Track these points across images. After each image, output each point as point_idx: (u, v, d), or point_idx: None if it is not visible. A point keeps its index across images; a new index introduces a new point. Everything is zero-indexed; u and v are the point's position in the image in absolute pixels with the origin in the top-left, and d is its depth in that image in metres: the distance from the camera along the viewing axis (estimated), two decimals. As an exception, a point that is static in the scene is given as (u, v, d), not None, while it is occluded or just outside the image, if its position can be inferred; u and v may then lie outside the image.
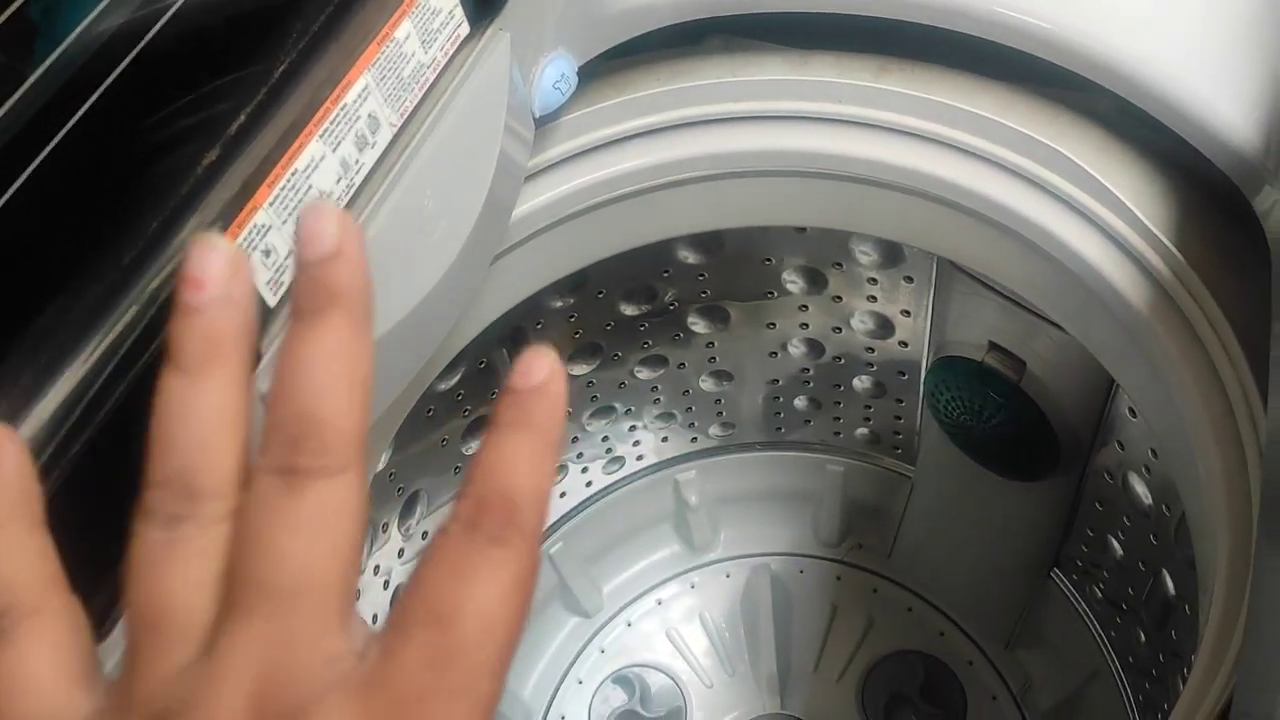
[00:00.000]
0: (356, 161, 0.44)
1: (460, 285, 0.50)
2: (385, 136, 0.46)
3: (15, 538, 0.25)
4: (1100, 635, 0.89)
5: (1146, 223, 0.53)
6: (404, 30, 0.45)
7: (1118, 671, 0.87)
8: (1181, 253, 0.52)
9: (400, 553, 0.80)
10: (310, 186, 0.42)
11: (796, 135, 0.65)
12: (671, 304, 0.86)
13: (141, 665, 0.22)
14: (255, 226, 0.40)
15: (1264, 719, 0.34)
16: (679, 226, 0.71)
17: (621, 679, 1.03)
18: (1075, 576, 0.91)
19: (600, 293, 0.82)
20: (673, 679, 1.03)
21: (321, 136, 0.42)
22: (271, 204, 0.40)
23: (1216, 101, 0.49)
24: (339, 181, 0.44)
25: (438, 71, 0.48)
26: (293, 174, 0.41)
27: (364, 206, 0.45)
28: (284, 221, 0.41)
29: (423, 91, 0.47)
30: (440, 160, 0.48)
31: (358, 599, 0.75)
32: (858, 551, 1.08)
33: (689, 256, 0.82)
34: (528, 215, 0.64)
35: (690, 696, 1.02)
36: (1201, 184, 0.54)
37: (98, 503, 0.35)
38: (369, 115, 0.45)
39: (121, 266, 0.36)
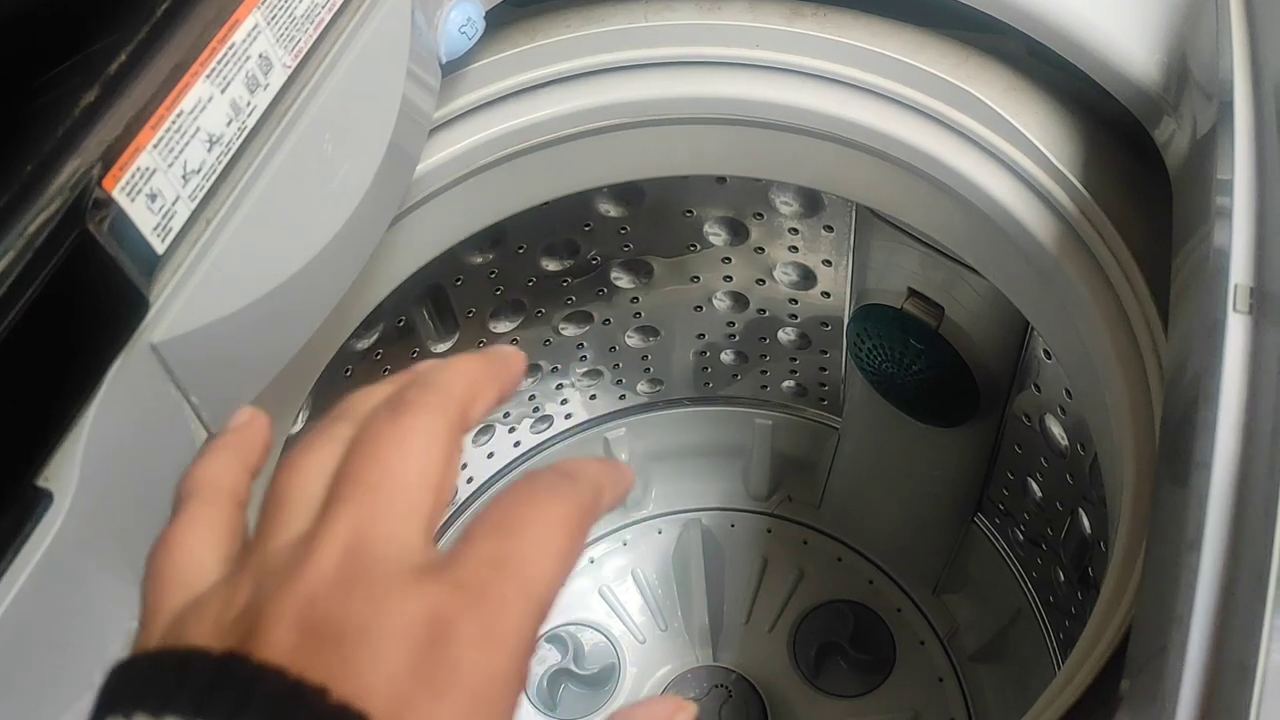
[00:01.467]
0: (248, 104, 0.43)
1: (363, 235, 0.49)
2: (279, 78, 0.44)
3: (228, 459, 0.29)
4: (1022, 576, 0.91)
5: (1055, 161, 0.54)
6: (294, -34, 0.44)
7: (1039, 611, 0.89)
8: (1089, 191, 0.53)
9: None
10: (198, 129, 0.40)
11: (709, 81, 0.64)
12: (594, 259, 0.85)
13: (263, 535, 0.26)
14: (139, 170, 0.38)
15: (1158, 653, 0.35)
16: (595, 178, 0.70)
17: (555, 638, 1.03)
18: (997, 520, 0.92)
19: (520, 248, 0.81)
20: (606, 636, 1.03)
21: (209, 77, 0.41)
22: (156, 146, 0.39)
23: (1119, 37, 0.49)
24: (230, 124, 0.42)
25: (333, 11, 0.47)
26: (178, 115, 0.40)
27: (259, 149, 0.43)
28: (169, 165, 0.39)
29: (318, 32, 0.46)
30: (339, 104, 0.47)
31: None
32: (788, 504, 1.09)
33: (610, 210, 0.81)
34: (437, 167, 0.63)
35: (623, 652, 1.02)
36: (1108, 122, 0.54)
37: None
38: (260, 55, 0.43)
39: (-6, 211, 0.35)
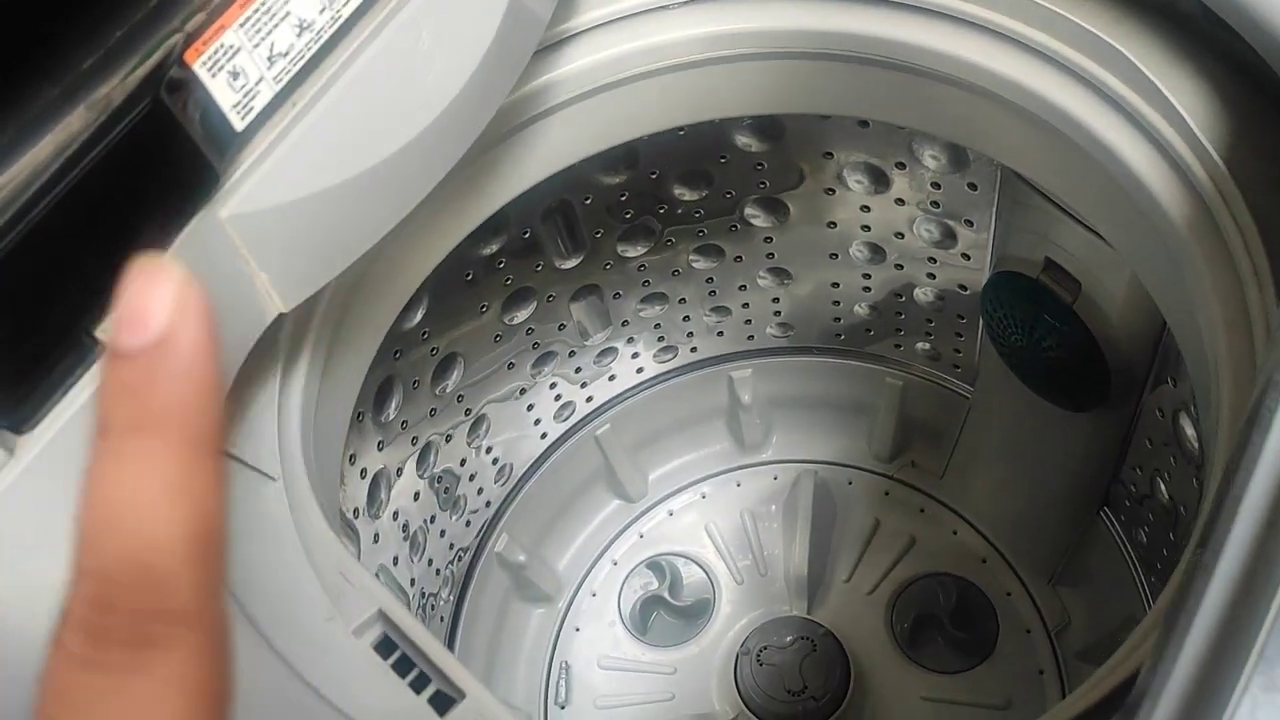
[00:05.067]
0: (345, -7, 0.44)
1: (453, 134, 0.49)
2: (380, -30, 0.45)
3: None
4: (1142, 581, 0.86)
5: (1199, 134, 0.49)
6: None
7: (1154, 619, 0.84)
8: (1229, 168, 0.48)
9: (431, 412, 0.82)
10: (289, 12, 0.42)
11: (856, 17, 0.62)
12: (728, 192, 0.84)
13: None
14: (222, 46, 0.40)
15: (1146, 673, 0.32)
16: (728, 107, 0.69)
17: (655, 565, 1.04)
18: (1124, 518, 0.87)
19: (654, 173, 0.81)
20: (706, 571, 1.03)
21: (304, -38, 0.42)
22: (242, 24, 0.40)
23: (1283, 0, 0.44)
24: (323, 12, 0.43)
25: (444, -93, 0.47)
26: (269, -3, 0.41)
27: (352, 42, 0.44)
28: (255, 45, 0.41)
29: (426, -73, 0.46)
30: (440, 1, 0.47)
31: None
32: (910, 469, 1.05)
33: (750, 144, 0.80)
34: (567, 78, 0.63)
35: (720, 590, 1.02)
36: (1264, 99, 0.49)
37: (33, 303, 0.37)
38: (361, -54, 0.44)
39: (79, 71, 0.37)
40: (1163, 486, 0.76)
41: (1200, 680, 0.28)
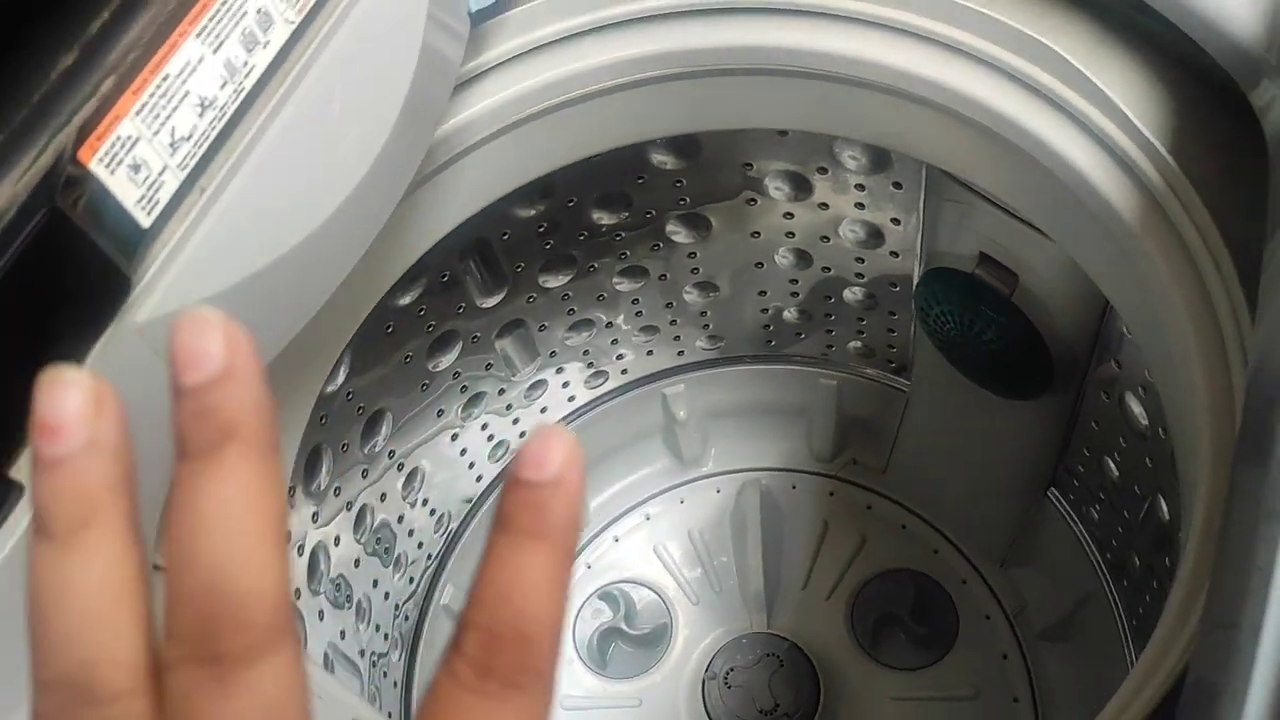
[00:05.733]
0: (245, 64, 0.40)
1: (376, 201, 0.46)
2: (280, 35, 0.41)
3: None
4: (1096, 557, 0.86)
5: (1140, 127, 0.49)
6: (292, -87, 0.40)
7: (1113, 594, 0.84)
8: (1176, 160, 0.47)
9: (363, 472, 0.78)
10: (188, 91, 0.38)
11: (766, 29, 0.60)
12: (649, 212, 0.82)
13: None
14: (119, 139, 0.36)
15: (1229, 625, 0.31)
16: (646, 130, 0.67)
17: (607, 595, 1.01)
18: (1072, 497, 0.87)
19: (570, 201, 0.78)
20: (659, 595, 1.01)
21: (199, 35, 0.38)
22: (139, 112, 0.36)
23: (1219, -12, 0.44)
24: (224, 87, 0.39)
25: (342, -40, 0.43)
26: (164, 79, 0.37)
27: (259, 114, 0.41)
28: (155, 132, 0.37)
29: (325, -17, 0.43)
30: (350, 61, 0.44)
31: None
32: (852, 467, 1.05)
33: (665, 162, 0.77)
34: (478, 118, 0.60)
35: (676, 613, 1.00)
36: (1201, 86, 0.48)
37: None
38: (258, 10, 0.40)
39: (-41, 185, 0.33)
40: (1112, 466, 0.76)
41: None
